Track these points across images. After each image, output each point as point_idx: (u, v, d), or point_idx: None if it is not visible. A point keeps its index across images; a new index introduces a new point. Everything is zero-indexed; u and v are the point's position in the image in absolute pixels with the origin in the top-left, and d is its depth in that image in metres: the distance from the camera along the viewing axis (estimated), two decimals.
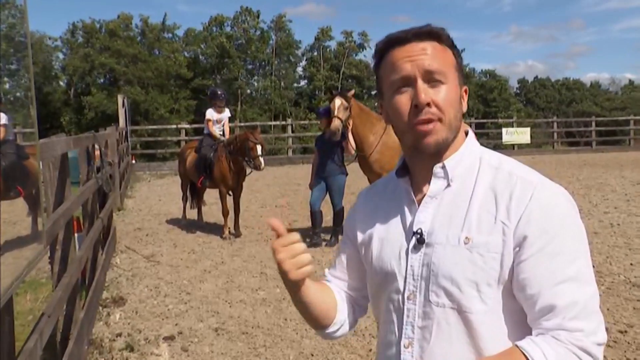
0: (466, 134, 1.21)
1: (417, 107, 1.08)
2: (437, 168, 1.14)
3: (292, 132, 21.66)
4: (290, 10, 71.08)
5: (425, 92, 1.08)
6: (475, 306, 1.07)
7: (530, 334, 1.04)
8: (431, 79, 1.08)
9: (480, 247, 1.07)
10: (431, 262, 1.10)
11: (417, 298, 1.12)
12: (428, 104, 1.07)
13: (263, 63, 40.68)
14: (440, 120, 1.09)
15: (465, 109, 1.16)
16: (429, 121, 1.08)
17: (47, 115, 31.80)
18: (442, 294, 1.09)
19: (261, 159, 7.39)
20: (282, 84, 40.05)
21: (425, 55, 1.09)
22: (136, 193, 12.63)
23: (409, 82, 1.09)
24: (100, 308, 4.85)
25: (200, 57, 39.10)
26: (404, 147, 1.19)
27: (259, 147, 7.36)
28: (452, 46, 1.14)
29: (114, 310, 4.84)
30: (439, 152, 1.13)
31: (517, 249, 1.05)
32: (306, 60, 43.34)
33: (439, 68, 1.08)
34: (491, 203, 1.09)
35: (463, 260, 1.07)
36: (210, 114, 8.32)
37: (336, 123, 6.41)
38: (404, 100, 1.10)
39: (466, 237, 1.08)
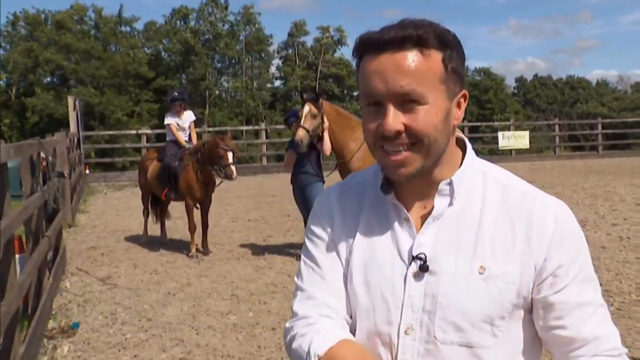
0: (460, 142, 1.18)
1: (384, 134, 1.04)
2: (443, 185, 1.11)
3: (267, 137, 21.64)
4: (266, 3, 71.26)
5: (395, 119, 1.02)
6: (486, 341, 1.06)
7: None
8: (405, 100, 1.03)
9: (497, 278, 1.05)
10: (437, 293, 1.07)
11: (417, 333, 1.08)
12: (398, 132, 1.03)
13: (233, 61, 40.68)
14: (412, 146, 1.04)
15: (459, 119, 1.11)
16: (398, 148, 1.04)
17: None
18: (450, 329, 1.06)
19: (233, 168, 7.37)
20: (255, 84, 40.06)
21: (400, 72, 1.02)
22: (90, 207, 12.47)
23: (378, 102, 1.05)
24: (46, 340, 4.73)
25: (163, 54, 38.96)
26: None
27: (230, 154, 7.34)
28: (442, 47, 1.04)
29: (61, 342, 4.72)
30: (430, 171, 1.10)
31: (550, 278, 1.07)
32: (280, 58, 43.49)
33: (415, 89, 1.02)
34: (506, 227, 1.08)
35: (478, 292, 1.05)
36: (169, 118, 8.31)
37: (300, 134, 6.36)
38: (372, 121, 1.07)
39: (480, 267, 1.06)
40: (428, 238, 1.10)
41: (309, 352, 1.06)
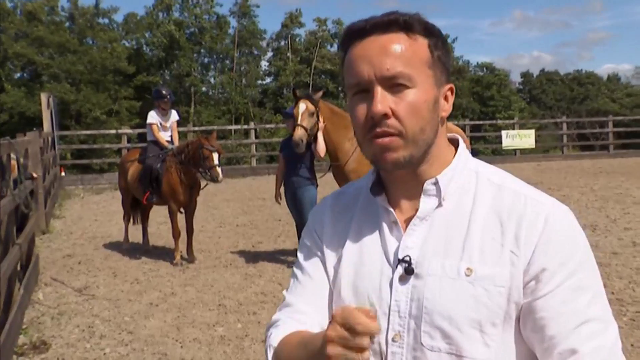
0: (454, 143, 1.20)
1: (372, 118, 1.06)
2: (428, 184, 1.13)
3: (256, 137, 21.70)
4: None
5: (383, 101, 1.05)
6: (477, 350, 1.05)
7: None
8: (393, 83, 1.06)
9: (484, 280, 1.05)
10: (423, 297, 1.08)
11: (405, 340, 1.09)
12: (385, 115, 1.05)
13: (221, 56, 40.66)
14: (400, 134, 1.06)
15: (448, 112, 1.15)
16: (386, 134, 1.06)
17: None
18: (437, 335, 1.06)
19: (218, 170, 7.39)
20: (244, 80, 40.06)
21: (386, 54, 1.06)
22: (66, 212, 12.42)
23: (365, 87, 1.08)
24: (15, 357, 4.70)
25: (145, 48, 38.90)
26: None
27: (215, 155, 7.36)
28: (428, 34, 1.10)
29: (33, 358, 4.70)
30: (418, 165, 1.12)
31: (532, 282, 1.05)
32: (272, 51, 43.51)
33: (402, 71, 1.05)
34: (496, 228, 1.08)
35: (464, 295, 1.05)
36: (153, 117, 8.31)
37: (299, 133, 6.39)
38: (360, 109, 1.09)
39: (467, 268, 1.06)
40: (415, 240, 1.12)
41: (267, 346, 1.21)
